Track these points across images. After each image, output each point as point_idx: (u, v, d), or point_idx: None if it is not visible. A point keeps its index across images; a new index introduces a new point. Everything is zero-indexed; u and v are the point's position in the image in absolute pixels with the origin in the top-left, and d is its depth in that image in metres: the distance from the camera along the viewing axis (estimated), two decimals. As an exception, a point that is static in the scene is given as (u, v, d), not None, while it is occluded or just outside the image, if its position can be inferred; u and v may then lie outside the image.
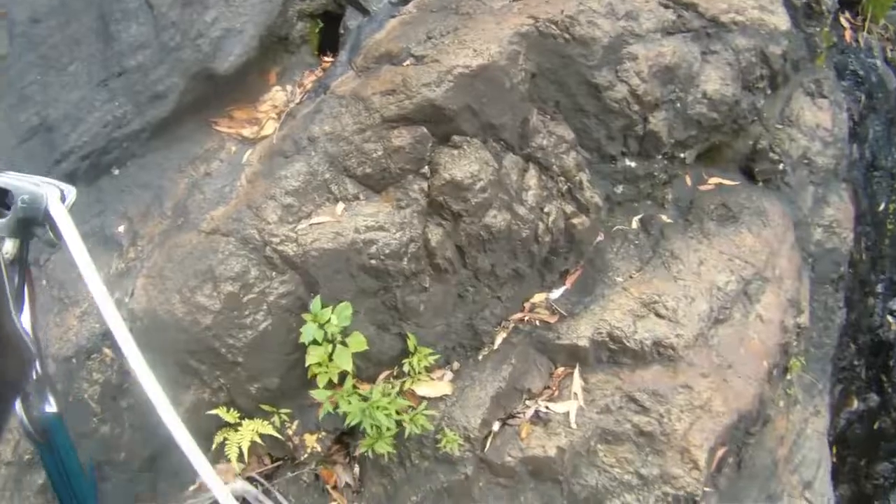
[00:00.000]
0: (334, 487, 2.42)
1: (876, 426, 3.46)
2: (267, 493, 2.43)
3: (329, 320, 2.06)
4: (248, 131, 2.64)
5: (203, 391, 2.26)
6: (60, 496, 0.82)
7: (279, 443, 2.38)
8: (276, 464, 2.48)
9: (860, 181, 2.99)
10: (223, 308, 2.15)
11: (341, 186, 2.27)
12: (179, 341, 2.20)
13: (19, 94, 2.63)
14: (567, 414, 2.40)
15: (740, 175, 2.76)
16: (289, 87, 2.74)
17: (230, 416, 2.26)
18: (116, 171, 2.58)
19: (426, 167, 2.23)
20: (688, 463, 2.34)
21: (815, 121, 2.77)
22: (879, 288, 3.26)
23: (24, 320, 0.85)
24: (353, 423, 2.09)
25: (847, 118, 2.89)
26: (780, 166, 2.68)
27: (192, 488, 2.45)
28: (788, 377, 2.81)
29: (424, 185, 2.23)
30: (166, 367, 2.28)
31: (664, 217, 2.65)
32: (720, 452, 2.51)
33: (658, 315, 2.48)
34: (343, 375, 2.16)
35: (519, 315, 2.55)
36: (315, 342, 2.07)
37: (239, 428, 2.27)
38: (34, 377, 0.84)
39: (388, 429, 2.13)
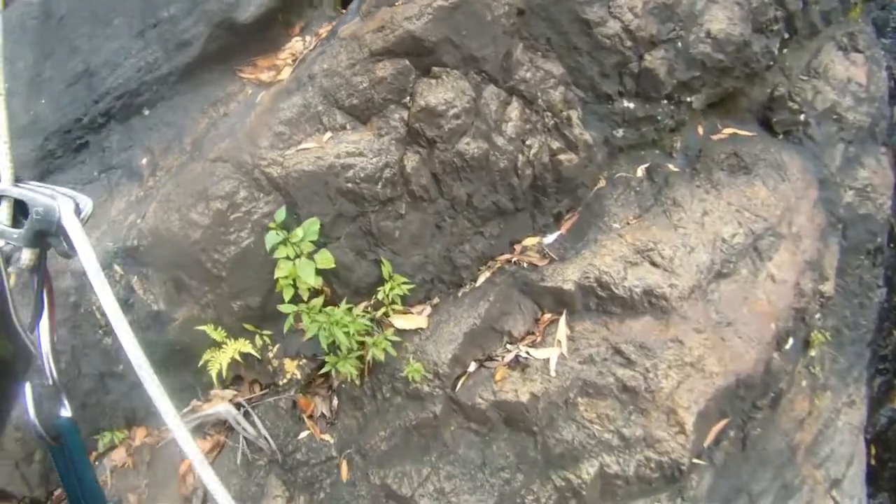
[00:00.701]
0: (310, 416, 2.44)
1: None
2: (246, 415, 2.48)
3: (298, 235, 2.10)
4: (266, 76, 2.77)
5: (193, 307, 2.36)
6: (71, 497, 0.88)
7: (262, 367, 2.44)
8: (262, 392, 2.54)
9: (905, 147, 2.69)
10: (211, 224, 2.25)
11: (331, 117, 2.33)
12: (174, 255, 2.32)
13: (70, 46, 2.90)
14: (547, 361, 2.30)
15: (758, 127, 2.57)
16: (307, 38, 2.86)
17: (217, 333, 2.34)
18: (146, 112, 2.79)
19: (407, 97, 2.24)
20: (673, 426, 2.18)
21: (847, 75, 2.54)
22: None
23: (43, 326, 0.90)
24: (309, 337, 2.10)
25: (887, 77, 2.62)
26: (802, 117, 2.47)
27: (185, 410, 2.55)
28: (812, 353, 2.54)
29: (405, 114, 2.24)
30: (164, 285, 2.41)
31: (671, 166, 2.51)
32: (720, 425, 2.32)
33: (652, 263, 2.33)
34: (313, 294, 2.19)
35: (507, 256, 2.48)
36: (286, 258, 2.12)
37: (223, 346, 2.34)
38: (49, 381, 0.87)
39: (350, 349, 2.13)
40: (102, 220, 2.67)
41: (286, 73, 2.80)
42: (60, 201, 0.87)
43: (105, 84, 2.78)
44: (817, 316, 2.49)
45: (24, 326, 0.78)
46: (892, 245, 2.76)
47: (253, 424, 2.42)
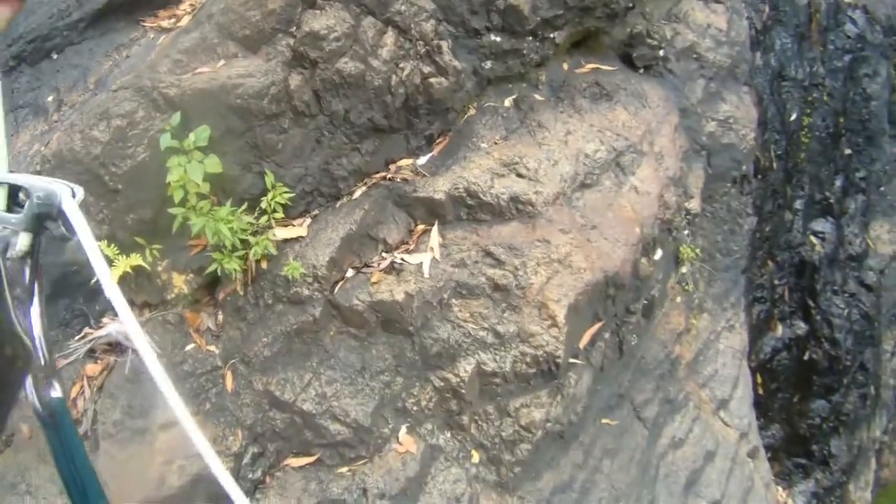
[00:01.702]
0: (196, 330, 2.48)
1: (806, 357, 3.21)
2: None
3: (190, 140, 2.20)
4: (167, 23, 2.90)
5: (89, 224, 2.41)
6: (64, 477, 0.87)
7: (152, 286, 2.49)
8: (152, 314, 2.58)
9: (766, 88, 2.93)
10: (111, 139, 2.33)
11: (225, 48, 2.46)
12: (74, 174, 2.38)
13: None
14: (420, 265, 2.41)
15: (619, 63, 2.81)
16: (205, -8, 3.04)
17: (110, 250, 2.39)
18: (55, 56, 2.88)
19: (294, 27, 2.40)
20: (546, 319, 2.30)
21: (707, 21, 2.80)
22: (798, 204, 3.15)
23: (34, 312, 0.91)
24: (196, 232, 2.18)
25: (748, 26, 2.89)
26: (661, 52, 2.71)
27: (77, 337, 2.57)
28: (683, 270, 2.72)
29: (291, 41, 2.39)
30: (62, 207, 2.46)
31: (537, 96, 2.71)
32: (594, 327, 2.46)
33: (518, 175, 2.50)
34: (201, 198, 2.28)
35: (383, 174, 2.63)
36: (178, 164, 2.21)
37: (115, 263, 2.39)
38: (42, 363, 0.88)
39: (234, 246, 2.21)
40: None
41: (185, 21, 2.95)
42: (57, 186, 0.90)
43: (19, 30, 2.88)
44: (686, 232, 2.68)
45: (19, 319, 0.80)
46: (758, 176, 2.99)
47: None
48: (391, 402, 2.33)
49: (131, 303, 2.55)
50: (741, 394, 3.01)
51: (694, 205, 2.67)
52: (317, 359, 2.35)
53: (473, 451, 2.38)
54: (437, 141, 2.67)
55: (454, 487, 2.34)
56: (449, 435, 2.37)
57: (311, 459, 2.31)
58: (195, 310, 2.48)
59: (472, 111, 2.70)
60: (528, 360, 2.29)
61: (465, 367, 2.30)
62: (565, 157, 2.55)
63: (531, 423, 2.32)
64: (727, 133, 2.89)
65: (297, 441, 2.35)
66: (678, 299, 2.71)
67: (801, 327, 3.21)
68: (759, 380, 3.21)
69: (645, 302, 2.50)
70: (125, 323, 0.89)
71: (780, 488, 3.50)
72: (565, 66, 2.82)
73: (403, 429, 2.37)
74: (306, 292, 2.34)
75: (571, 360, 2.36)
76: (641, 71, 2.79)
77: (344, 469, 2.31)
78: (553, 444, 2.39)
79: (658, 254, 2.55)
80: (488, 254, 2.38)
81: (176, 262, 2.44)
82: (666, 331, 2.65)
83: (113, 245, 2.41)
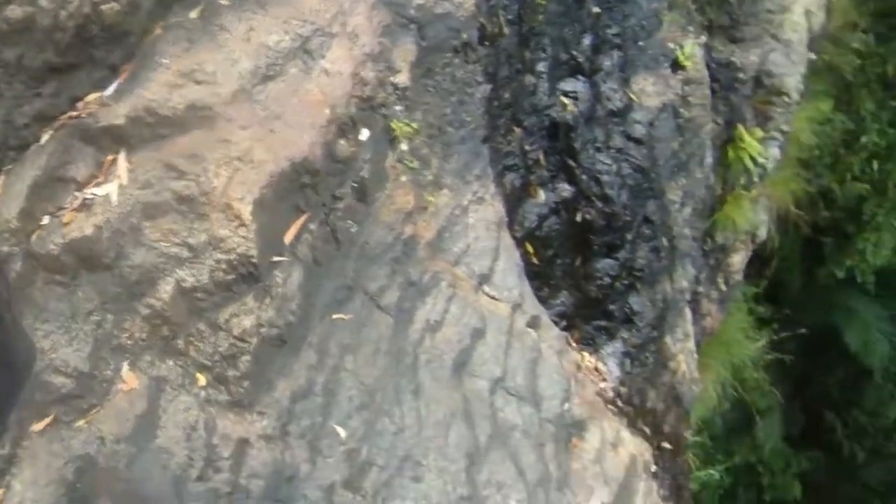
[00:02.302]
0: None
1: (579, 218, 3.53)
2: None
3: None
4: None
5: None
6: None
7: None
8: None
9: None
10: None
11: None
12: None
13: None
14: (108, 195, 2.50)
15: None
16: None
17: None
18: None
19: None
20: (233, 220, 2.44)
21: None
22: (541, 67, 3.37)
23: None
24: None
25: None
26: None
27: None
28: (403, 147, 2.90)
29: None
30: None
31: (222, 2, 2.78)
32: (299, 220, 2.61)
33: (196, 82, 2.60)
34: None
35: (71, 113, 2.69)
36: None
37: None
38: None
39: None
40: None
41: None
42: None
43: None
44: (398, 108, 2.85)
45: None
46: (486, 43, 3.19)
47: None
48: (106, 341, 2.43)
49: None
50: (504, 265, 3.27)
51: (401, 79, 2.83)
52: (31, 316, 2.41)
53: (198, 375, 2.52)
54: (123, 69, 2.74)
55: (186, 416, 2.48)
56: (171, 363, 2.49)
57: (50, 420, 2.38)
58: None
59: (158, 31, 2.77)
60: (224, 266, 2.43)
61: (166, 289, 2.42)
62: (245, 55, 2.65)
63: (244, 331, 2.47)
64: (441, 3, 3.03)
65: (33, 405, 2.42)
66: (403, 178, 2.89)
67: (567, 189, 3.49)
68: (531, 249, 3.48)
69: (354, 185, 2.67)
70: None
71: (585, 354, 3.86)
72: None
73: (125, 366, 2.46)
74: (5, 249, 2.40)
75: (276, 259, 2.51)
76: None
77: (81, 422, 2.40)
78: (277, 350, 2.56)
79: (364, 133, 2.71)
80: (171, 167, 2.48)
81: None
82: (391, 212, 2.83)
83: None
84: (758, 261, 5.79)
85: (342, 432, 2.67)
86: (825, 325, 8.99)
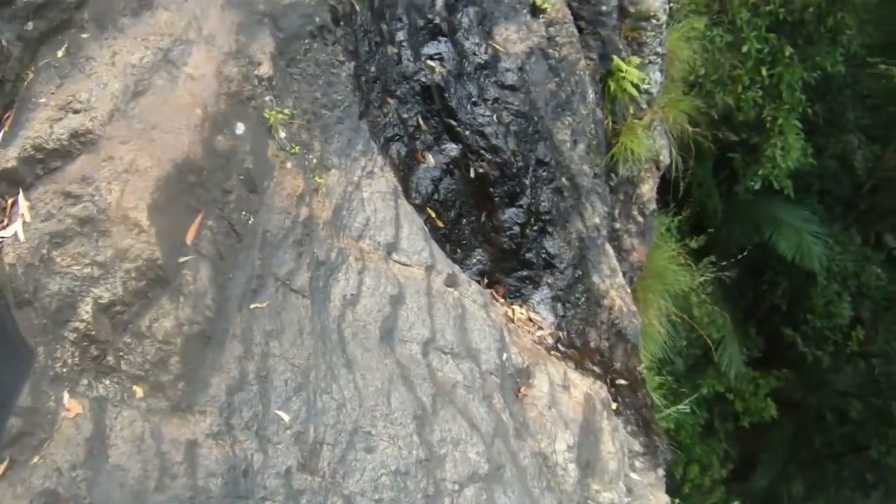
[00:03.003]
0: None
1: (472, 174, 4.11)
2: None
3: None
4: None
5: None
6: None
7: None
8: None
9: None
10: None
11: None
12: None
13: None
14: (15, 234, 2.89)
15: None
16: None
17: None
18: None
19: None
20: (132, 229, 2.86)
21: None
22: (401, 36, 3.95)
23: None
24: None
25: None
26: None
27: None
28: (282, 135, 3.41)
29: None
30: None
31: (84, 35, 3.22)
32: (196, 220, 3.07)
33: (74, 111, 3.01)
34: None
35: None
36: None
37: None
38: None
39: None
40: None
41: None
42: None
43: None
44: (268, 98, 3.35)
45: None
46: (340, 23, 3.74)
47: None
48: (43, 374, 2.79)
49: None
50: (409, 231, 3.77)
51: (264, 70, 3.31)
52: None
53: (135, 387, 2.92)
54: (6, 116, 3.10)
55: (133, 429, 2.87)
56: (107, 381, 2.87)
57: (6, 464, 2.68)
58: None
59: (30, 75, 3.15)
60: (134, 274, 2.84)
61: (86, 310, 2.80)
62: (114, 77, 3.08)
63: (166, 333, 2.90)
64: (282, -8, 3.61)
65: (-10, 452, 2.77)
66: (288, 164, 3.37)
67: (454, 148, 4.03)
68: (433, 214, 4.01)
69: (241, 177, 3.14)
70: None
71: (515, 307, 4.42)
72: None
73: (65, 395, 2.82)
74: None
75: (182, 259, 2.97)
76: None
77: (36, 458, 2.72)
78: (204, 346, 2.98)
79: (239, 127, 3.17)
80: (67, 195, 2.88)
81: None
82: (283, 198, 3.28)
83: None
84: (669, 186, 6.51)
85: (285, 416, 3.10)
86: (757, 241, 9.94)
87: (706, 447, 11.13)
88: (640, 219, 5.49)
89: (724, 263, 7.58)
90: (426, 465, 3.38)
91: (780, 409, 11.36)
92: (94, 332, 2.84)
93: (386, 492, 3.21)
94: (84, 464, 2.75)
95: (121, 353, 2.89)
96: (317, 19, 3.64)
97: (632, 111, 5.17)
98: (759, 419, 11.20)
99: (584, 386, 4.46)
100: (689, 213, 8.34)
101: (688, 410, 7.75)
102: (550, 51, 4.50)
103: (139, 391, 2.92)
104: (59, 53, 3.24)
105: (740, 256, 8.44)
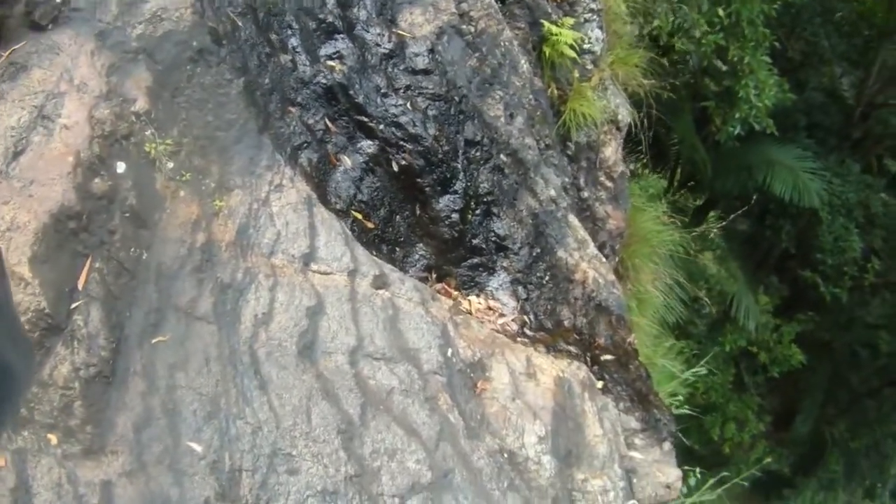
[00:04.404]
0: None
1: (396, 168, 4.24)
2: None
3: None
4: None
5: None
6: None
7: None
8: None
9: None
10: None
11: None
12: None
13: None
14: None
15: (31, 33, 3.65)
16: None
17: None
18: None
19: None
20: (19, 283, 3.17)
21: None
22: (293, 42, 4.13)
23: None
24: None
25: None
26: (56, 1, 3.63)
27: None
28: (170, 166, 3.66)
29: None
30: None
31: None
32: (86, 264, 3.35)
33: None
34: None
35: None
36: None
37: None
38: None
39: None
40: None
41: None
42: None
43: None
44: (149, 132, 3.61)
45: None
46: (223, 43, 3.96)
47: None
48: None
49: None
50: (326, 238, 3.98)
51: (140, 105, 3.58)
52: None
53: (49, 435, 3.22)
54: None
55: (51, 476, 3.17)
56: (25, 433, 3.18)
57: None
58: None
59: None
60: (28, 327, 3.15)
61: (-15, 371, 3.19)
62: (-7, 145, 3.46)
63: (66, 379, 3.19)
64: (160, 24, 3.80)
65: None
66: (181, 193, 3.62)
67: (370, 144, 4.17)
68: (360, 216, 4.19)
69: (126, 215, 3.41)
70: None
71: (472, 297, 4.53)
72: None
73: None
74: None
75: (73, 305, 3.26)
76: (50, 27, 3.70)
77: None
78: (105, 388, 3.27)
79: (120, 166, 3.46)
80: None
81: None
82: (177, 227, 3.56)
83: None
84: (645, 148, 6.46)
85: (197, 447, 3.35)
86: (753, 188, 9.75)
87: (740, 403, 11.53)
88: (609, 183, 5.48)
89: (718, 215, 7.45)
90: (358, 481, 3.55)
91: (812, 352, 11.69)
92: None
93: (315, 513, 3.40)
94: (10, 515, 3.08)
95: (32, 405, 3.20)
96: (194, 43, 3.88)
97: (577, 74, 5.17)
98: (788, 367, 11.43)
99: (553, 370, 4.53)
100: (680, 171, 8.25)
101: (704, 372, 7.63)
102: (464, 27, 4.60)
103: (53, 438, 3.22)
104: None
105: (745, 208, 8.29)
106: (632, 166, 6.50)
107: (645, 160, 6.63)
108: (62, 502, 3.13)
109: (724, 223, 7.52)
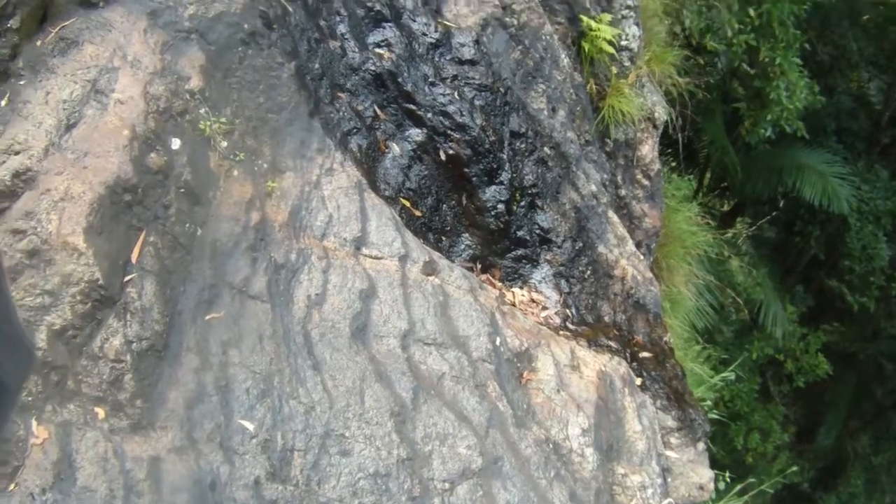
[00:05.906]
0: None
1: (443, 157, 4.16)
2: None
3: None
4: None
5: None
6: None
7: None
8: None
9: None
10: None
11: None
12: None
13: None
14: (-31, 276, 3.16)
15: (80, 9, 3.62)
16: None
17: None
18: None
19: None
20: (72, 254, 3.06)
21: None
22: (342, 28, 4.07)
23: None
24: None
25: None
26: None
27: None
28: (223, 145, 3.57)
29: None
30: None
31: (21, 83, 3.50)
32: (139, 238, 3.25)
33: (15, 153, 3.25)
34: None
35: None
36: None
37: None
38: None
39: None
40: None
41: None
42: None
43: None
44: (203, 111, 3.53)
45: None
46: (273, 27, 3.91)
47: None
48: None
49: None
50: (377, 223, 3.87)
51: (195, 84, 3.50)
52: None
53: (96, 409, 3.10)
54: None
55: (97, 450, 3.04)
56: (71, 406, 3.06)
57: None
58: None
59: None
60: (79, 297, 3.03)
61: (41, 338, 3.01)
62: (47, 115, 3.31)
63: (117, 352, 3.07)
64: (212, 6, 3.75)
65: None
66: (235, 172, 3.52)
67: (418, 133, 4.09)
68: (408, 204, 4.10)
69: (181, 191, 3.31)
70: None
71: (515, 289, 4.41)
72: (39, 42, 3.65)
73: (33, 422, 3.03)
74: None
75: (126, 278, 3.15)
76: (101, 4, 3.65)
77: (12, 486, 2.93)
78: (157, 362, 3.14)
79: (175, 143, 3.37)
80: (15, 231, 3.09)
81: None
82: (231, 205, 3.46)
83: None
84: (679, 149, 6.40)
85: (249, 425, 3.22)
86: (782, 192, 9.65)
87: (764, 412, 11.25)
88: (646, 182, 5.41)
89: (748, 221, 7.35)
90: (409, 465, 3.41)
91: (837, 363, 11.41)
92: (52, 359, 3.03)
93: (366, 496, 3.26)
94: (54, 487, 2.93)
95: (79, 377, 3.07)
96: (245, 26, 3.81)
97: (615, 71, 5.12)
98: (814, 377, 11.20)
99: (596, 364, 4.40)
100: (710, 175, 8.16)
101: (733, 377, 7.50)
102: (508, 19, 4.55)
103: (101, 412, 3.09)
104: (3, 103, 3.53)
105: (774, 213, 8.20)
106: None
107: (674, 163, 6.54)
108: (107, 477, 2.99)
109: (753, 228, 7.42)
